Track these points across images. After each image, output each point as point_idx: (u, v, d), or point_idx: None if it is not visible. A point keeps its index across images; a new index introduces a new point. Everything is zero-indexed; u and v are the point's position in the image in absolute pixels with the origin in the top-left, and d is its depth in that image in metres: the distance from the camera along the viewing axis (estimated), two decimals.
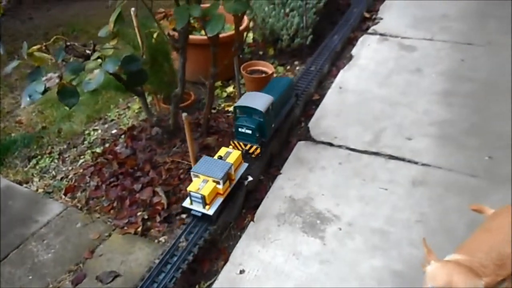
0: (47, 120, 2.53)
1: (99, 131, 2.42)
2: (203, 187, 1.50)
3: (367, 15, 3.33)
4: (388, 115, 2.20)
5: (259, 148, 1.81)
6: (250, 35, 3.24)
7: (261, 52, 3.05)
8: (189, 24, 1.58)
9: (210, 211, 1.50)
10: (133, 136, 2.16)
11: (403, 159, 1.90)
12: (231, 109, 2.41)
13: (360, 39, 3.00)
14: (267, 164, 1.95)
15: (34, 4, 4.26)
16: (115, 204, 1.82)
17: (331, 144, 2.03)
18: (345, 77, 2.57)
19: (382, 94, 2.36)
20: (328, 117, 2.22)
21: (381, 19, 3.28)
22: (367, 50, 2.84)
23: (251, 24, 3.20)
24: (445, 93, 2.34)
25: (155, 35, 1.73)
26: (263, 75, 2.49)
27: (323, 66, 2.62)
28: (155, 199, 1.79)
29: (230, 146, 1.84)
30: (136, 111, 2.52)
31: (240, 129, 1.80)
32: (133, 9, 1.94)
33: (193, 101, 2.39)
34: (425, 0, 3.54)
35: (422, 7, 3.42)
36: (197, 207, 1.52)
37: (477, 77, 2.46)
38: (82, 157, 2.20)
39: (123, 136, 2.27)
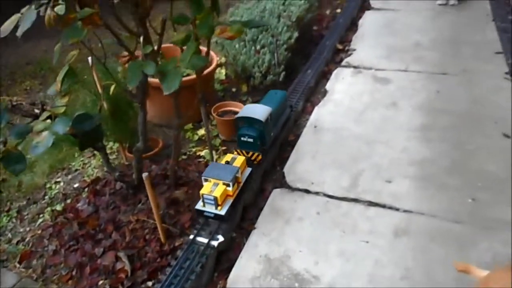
0: (7, 171, 2.35)
1: (62, 183, 2.26)
2: (215, 189, 1.64)
3: (340, 46, 3.29)
4: (366, 154, 2.10)
5: (260, 155, 1.97)
6: (223, 71, 3.15)
7: (234, 89, 2.96)
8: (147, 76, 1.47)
9: (222, 211, 1.64)
10: (96, 191, 2.00)
11: (383, 206, 1.79)
12: (203, 153, 2.29)
13: (334, 72, 2.94)
14: (241, 217, 1.82)
15: (2, 40, 4.10)
16: (74, 273, 1.65)
17: (308, 191, 1.91)
18: (320, 114, 2.48)
19: (358, 132, 2.28)
20: (304, 160, 2.11)
21: (354, 50, 3.24)
22: (341, 84, 2.78)
23: (223, 59, 3.13)
24: (423, 127, 2.27)
25: (112, 89, 1.61)
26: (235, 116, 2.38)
27: (298, 104, 2.54)
28: (118, 265, 1.63)
29: (235, 153, 1.98)
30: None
31: (242, 138, 1.95)
32: (90, 58, 1.83)
33: (161, 148, 2.26)
34: (398, 28, 3.53)
35: (394, 36, 3.40)
36: (210, 209, 1.66)
37: (454, 109, 2.40)
38: (41, 215, 2.03)
39: (86, 190, 2.12)
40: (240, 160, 1.79)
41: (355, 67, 2.99)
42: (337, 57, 3.20)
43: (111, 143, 2.37)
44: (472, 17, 3.63)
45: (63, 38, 1.19)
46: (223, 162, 1.79)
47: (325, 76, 2.96)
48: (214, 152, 2.29)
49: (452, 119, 2.31)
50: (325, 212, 1.79)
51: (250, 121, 1.94)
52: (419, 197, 1.82)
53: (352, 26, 3.73)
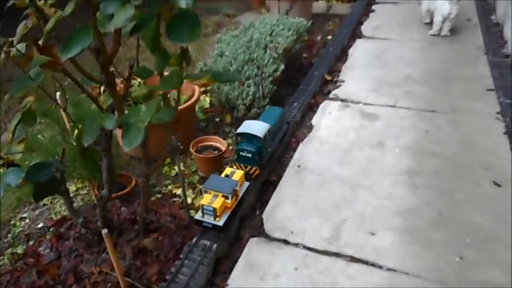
0: None
1: (27, 220, 2.13)
2: (214, 201, 1.72)
3: (328, 77, 3.21)
4: (349, 201, 2.00)
5: (258, 170, 2.05)
6: (207, 99, 3.05)
7: (217, 119, 2.85)
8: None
9: (220, 222, 1.72)
10: (60, 235, 1.87)
11: (366, 262, 1.68)
12: (179, 192, 2.17)
13: (321, 106, 2.85)
14: (213, 271, 1.69)
15: None
16: None
17: (286, 242, 1.80)
18: (305, 152, 2.38)
19: (342, 174, 2.17)
20: (284, 204, 2.00)
21: (343, 81, 3.15)
22: (327, 119, 2.68)
23: (209, 87, 3.03)
24: (410, 172, 2.17)
25: (75, 132, 1.49)
26: (216, 152, 2.27)
27: (282, 139, 2.43)
28: None
29: (234, 167, 2.05)
30: (72, 194, 2.25)
31: (241, 153, 2.04)
32: (58, 93, 1.71)
33: (135, 185, 2.13)
34: (388, 59, 3.47)
35: (384, 67, 3.33)
36: (209, 219, 1.73)
37: (443, 151, 2.31)
38: (1, 258, 1.89)
39: (51, 230, 1.98)
40: (239, 174, 1.86)
41: (342, 100, 2.90)
42: (325, 88, 3.11)
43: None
44: (464, 49, 3.57)
45: (13, 90, 1.08)
46: (223, 175, 1.87)
47: (312, 109, 2.86)
48: (191, 191, 2.18)
49: (441, 163, 2.22)
50: (304, 268, 1.67)
51: (249, 137, 2.03)
52: (404, 254, 1.71)
53: (342, 55, 3.65)
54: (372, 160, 2.27)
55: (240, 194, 1.86)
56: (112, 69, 1.25)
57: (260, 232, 1.86)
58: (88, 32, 0.90)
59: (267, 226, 1.88)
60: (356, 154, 2.32)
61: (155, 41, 1.02)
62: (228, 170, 1.89)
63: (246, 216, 1.98)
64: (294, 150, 2.43)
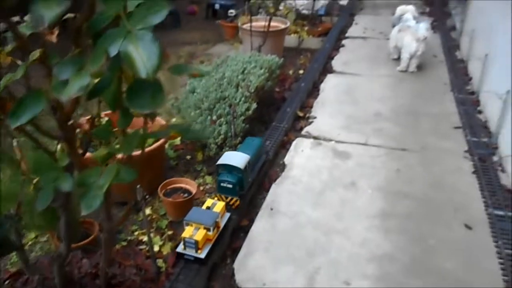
0: None
1: None
2: (196, 233, 1.74)
3: (300, 113, 3.21)
4: (323, 247, 1.95)
5: (238, 200, 2.10)
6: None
7: (188, 157, 2.78)
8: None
9: (202, 254, 1.75)
10: None
11: None
12: (146, 238, 2.06)
13: (294, 143, 2.83)
14: None
15: None
16: None
17: None
18: (277, 193, 2.33)
19: (315, 218, 2.13)
20: (256, 252, 1.93)
21: (315, 118, 3.16)
22: (300, 158, 2.66)
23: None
24: (383, 214, 2.15)
25: (31, 188, 1.38)
26: (185, 195, 2.20)
27: (255, 180, 2.38)
28: None
29: (215, 198, 2.09)
30: (30, 242, 2.11)
31: (222, 184, 2.07)
32: (15, 142, 1.61)
33: (98, 234, 2.01)
34: (358, 95, 3.52)
35: (355, 104, 3.37)
36: (190, 252, 1.76)
37: (414, 192, 2.32)
38: None
39: (6, 283, 1.83)
40: (220, 205, 1.91)
41: (315, 137, 2.90)
42: (297, 125, 3.11)
43: None
44: (431, 86, 3.68)
45: None
46: (204, 207, 1.90)
47: (284, 146, 2.84)
48: (158, 238, 2.08)
49: (412, 205, 2.22)
50: None
51: (229, 168, 2.07)
52: None
53: (314, 90, 3.69)
54: (345, 202, 2.24)
55: (222, 225, 1.90)
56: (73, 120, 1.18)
57: (231, 284, 1.78)
58: (40, 97, 0.83)
59: (239, 277, 1.80)
60: (329, 196, 2.30)
61: (116, 101, 0.96)
62: (209, 202, 1.93)
63: (217, 265, 1.89)
64: (267, 190, 2.39)
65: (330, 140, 2.86)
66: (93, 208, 1.06)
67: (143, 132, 1.08)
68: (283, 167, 2.60)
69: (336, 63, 4.27)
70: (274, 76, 3.10)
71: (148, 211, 2.22)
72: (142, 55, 0.74)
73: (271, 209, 2.20)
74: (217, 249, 1.88)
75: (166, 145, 2.81)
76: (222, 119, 2.55)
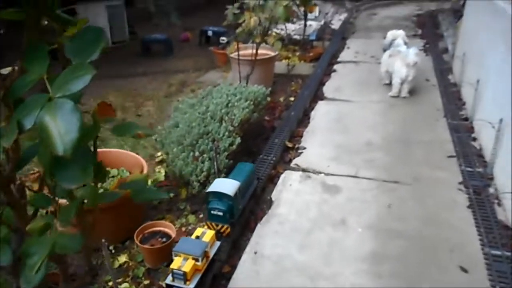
0: None
1: None
2: (184, 264, 1.71)
3: (289, 144, 3.11)
4: None
5: (229, 228, 2.07)
6: (162, 171, 2.88)
7: (172, 194, 2.66)
8: None
9: (191, 285, 1.71)
10: None
11: None
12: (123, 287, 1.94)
13: (282, 177, 2.72)
14: None
15: None
16: None
17: None
18: (262, 234, 2.21)
19: (302, 262, 2.01)
20: None
21: (304, 148, 3.06)
22: (288, 193, 2.55)
23: (164, 156, 2.86)
24: (373, 257, 2.02)
25: None
26: (164, 240, 2.08)
27: (239, 220, 2.26)
28: None
29: (205, 226, 2.08)
30: None
31: (212, 212, 2.06)
32: None
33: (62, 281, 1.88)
34: (349, 123, 3.43)
35: (345, 133, 3.28)
36: (179, 283, 1.71)
37: (406, 230, 2.19)
38: None
39: None
40: (209, 234, 1.87)
41: (304, 170, 2.79)
42: (286, 156, 3.01)
43: None
44: (424, 112, 3.59)
45: None
46: (193, 237, 1.86)
47: (272, 180, 2.73)
48: None
49: (405, 245, 2.09)
50: None
51: (219, 196, 2.05)
52: None
53: (304, 118, 3.60)
54: (334, 243, 2.12)
55: (211, 254, 1.85)
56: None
57: None
58: None
59: None
60: (317, 236, 2.17)
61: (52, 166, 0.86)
62: (199, 231, 1.90)
63: None
64: (252, 230, 2.27)
65: (320, 172, 2.75)
66: (33, 284, 0.95)
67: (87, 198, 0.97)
68: (270, 203, 2.48)
69: (327, 89, 4.20)
70: (260, 107, 3.01)
71: (124, 258, 2.09)
72: (60, 127, 0.64)
73: (255, 252, 2.08)
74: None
75: (149, 182, 2.71)
76: (205, 155, 2.44)
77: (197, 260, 1.73)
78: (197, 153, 2.46)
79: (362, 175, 2.70)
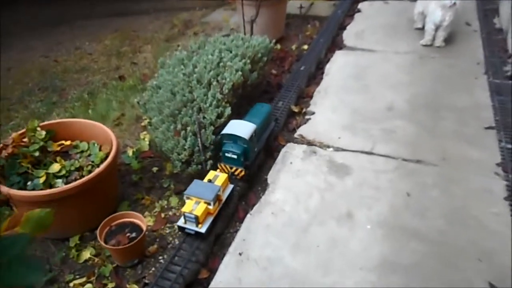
0: None
1: None
2: (196, 208, 1.70)
3: (295, 109, 2.66)
4: None
5: (243, 171, 2.01)
6: (147, 138, 2.52)
7: (155, 168, 2.33)
8: None
9: (203, 229, 1.71)
10: None
11: None
12: None
13: (283, 151, 2.32)
14: None
15: None
16: None
17: None
18: (252, 229, 1.87)
19: (295, 268, 1.68)
20: None
21: (313, 113, 2.62)
22: (287, 173, 2.17)
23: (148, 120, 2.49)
24: (383, 264, 1.67)
25: None
26: (134, 234, 1.77)
27: (226, 206, 1.92)
28: None
29: (218, 170, 2.02)
30: None
31: (226, 154, 2.00)
32: None
33: None
34: (370, 80, 2.92)
35: (364, 93, 2.79)
36: (191, 226, 1.72)
37: (426, 229, 1.81)
38: None
39: None
40: (222, 178, 1.85)
41: (309, 143, 2.37)
42: (290, 123, 2.58)
43: None
44: (460, 66, 3.02)
45: None
46: (205, 180, 1.83)
47: (272, 154, 2.34)
48: None
49: (422, 250, 1.72)
50: None
51: (234, 138, 1.98)
52: None
53: (317, 73, 3.11)
54: (336, 244, 1.76)
55: (224, 198, 1.84)
56: None
57: None
58: None
59: None
60: (316, 234, 1.82)
61: None
62: (211, 174, 1.87)
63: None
64: (241, 221, 1.93)
65: (328, 147, 2.33)
66: None
67: None
68: (265, 186, 2.12)
69: (348, 34, 3.63)
70: (262, 64, 2.53)
71: (89, 252, 1.82)
72: None
73: (240, 254, 1.75)
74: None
75: (131, 153, 2.37)
76: (188, 129, 2.05)
77: (209, 204, 1.72)
78: (179, 126, 2.06)
79: (378, 151, 2.27)
